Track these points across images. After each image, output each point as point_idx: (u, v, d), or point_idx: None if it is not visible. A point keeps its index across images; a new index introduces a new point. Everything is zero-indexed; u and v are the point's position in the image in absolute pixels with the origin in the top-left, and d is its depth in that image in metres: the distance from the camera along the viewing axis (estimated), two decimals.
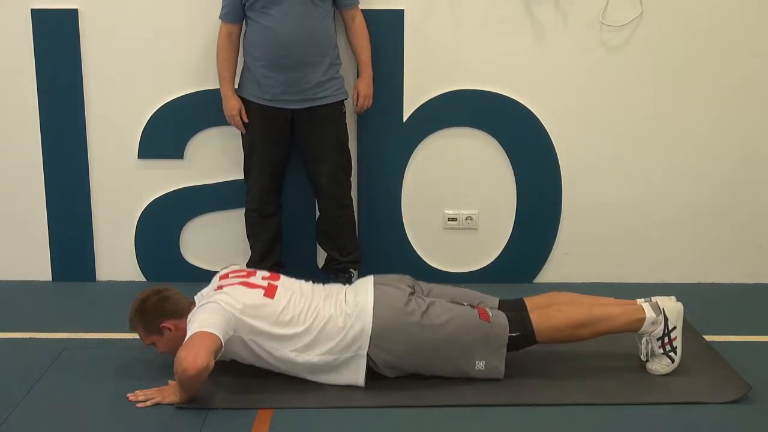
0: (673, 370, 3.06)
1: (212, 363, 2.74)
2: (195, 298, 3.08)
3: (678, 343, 3.05)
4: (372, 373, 2.98)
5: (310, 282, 3.19)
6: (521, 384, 3.02)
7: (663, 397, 2.94)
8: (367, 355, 2.94)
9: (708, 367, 3.14)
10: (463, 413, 2.84)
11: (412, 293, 3.07)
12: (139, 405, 2.84)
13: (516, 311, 3.07)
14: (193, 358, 2.69)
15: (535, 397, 2.93)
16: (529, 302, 3.14)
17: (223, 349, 2.82)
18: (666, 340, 3.04)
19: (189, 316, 2.94)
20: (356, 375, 2.97)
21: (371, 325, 2.92)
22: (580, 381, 3.05)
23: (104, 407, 2.86)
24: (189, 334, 2.81)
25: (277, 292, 3.02)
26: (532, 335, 3.00)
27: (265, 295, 2.99)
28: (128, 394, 2.88)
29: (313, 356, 2.94)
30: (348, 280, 3.79)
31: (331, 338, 2.94)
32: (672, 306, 3.06)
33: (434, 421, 2.80)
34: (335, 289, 3.14)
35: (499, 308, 3.11)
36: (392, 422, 2.79)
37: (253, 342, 2.93)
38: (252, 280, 3.08)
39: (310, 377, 3.00)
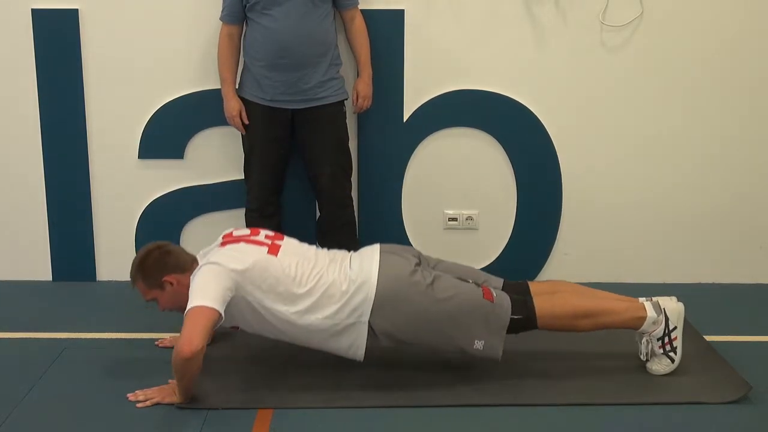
0: (672, 371, 3.06)
1: (205, 345, 2.70)
2: (198, 255, 3.04)
3: (678, 344, 3.05)
4: (369, 353, 2.95)
5: (314, 246, 3.16)
6: (521, 384, 3.02)
7: (663, 397, 2.94)
8: (368, 322, 2.91)
9: (708, 367, 3.14)
10: (463, 413, 2.84)
11: (418, 264, 3.03)
12: (139, 405, 2.84)
13: (520, 294, 3.05)
14: (188, 340, 2.67)
15: (534, 397, 2.93)
16: (533, 287, 3.13)
17: (222, 320, 2.80)
18: (666, 340, 3.04)
19: (192, 274, 2.90)
20: (356, 343, 2.93)
21: (375, 292, 2.89)
22: (579, 381, 3.05)
23: (104, 407, 2.85)
24: (190, 298, 2.78)
25: (280, 251, 2.98)
26: (533, 320, 2.98)
27: (269, 252, 2.96)
28: (128, 394, 2.88)
29: (313, 319, 2.90)
30: None
31: (333, 302, 2.90)
32: (673, 306, 3.06)
33: (434, 421, 2.80)
34: (340, 254, 3.09)
35: (502, 289, 3.08)
36: (392, 422, 2.79)
37: (254, 301, 2.88)
38: (256, 238, 3.05)
39: (310, 343, 2.96)
